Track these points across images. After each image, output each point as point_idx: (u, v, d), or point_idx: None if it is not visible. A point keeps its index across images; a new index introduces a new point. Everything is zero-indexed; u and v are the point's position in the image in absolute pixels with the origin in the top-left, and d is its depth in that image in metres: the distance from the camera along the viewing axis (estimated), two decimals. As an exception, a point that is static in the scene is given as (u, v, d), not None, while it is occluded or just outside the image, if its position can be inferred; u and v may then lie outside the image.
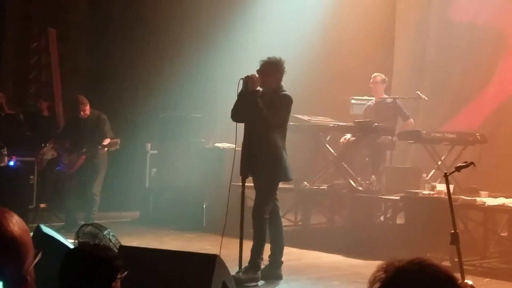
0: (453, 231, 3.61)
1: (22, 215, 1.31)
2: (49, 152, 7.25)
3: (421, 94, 6.73)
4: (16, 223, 1.24)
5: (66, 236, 3.53)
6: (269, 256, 5.00)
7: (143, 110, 8.91)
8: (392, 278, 1.22)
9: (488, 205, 5.63)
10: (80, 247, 1.82)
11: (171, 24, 8.79)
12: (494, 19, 7.24)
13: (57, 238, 3.15)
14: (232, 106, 4.96)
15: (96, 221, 5.42)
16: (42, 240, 3.00)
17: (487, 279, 5.05)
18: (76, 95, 7.07)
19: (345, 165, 6.76)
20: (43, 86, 9.30)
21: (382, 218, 6.64)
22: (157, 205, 7.78)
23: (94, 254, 1.76)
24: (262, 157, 4.84)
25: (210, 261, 3.33)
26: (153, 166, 8.38)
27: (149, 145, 8.50)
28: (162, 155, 8.11)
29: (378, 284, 1.23)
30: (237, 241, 4.83)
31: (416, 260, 1.26)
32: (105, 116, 6.88)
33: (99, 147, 6.57)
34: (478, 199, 5.70)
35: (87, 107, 6.80)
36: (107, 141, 6.60)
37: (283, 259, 5.03)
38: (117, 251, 3.07)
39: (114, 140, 6.64)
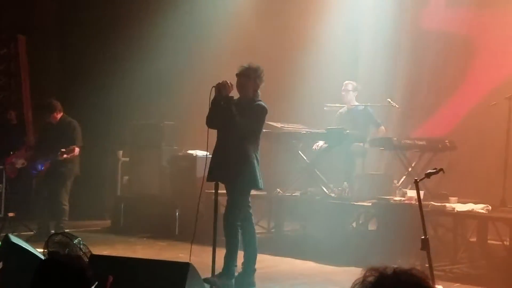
0: (423, 237, 3.66)
1: None
2: (19, 161, 7.10)
3: (392, 102, 6.83)
4: None
5: (35, 246, 3.46)
6: (242, 264, 4.99)
7: (115, 117, 8.83)
8: (376, 283, 1.25)
9: (457, 211, 5.73)
10: (54, 257, 1.79)
11: (143, 30, 8.74)
12: (463, 27, 7.41)
13: (26, 248, 3.09)
14: (204, 113, 4.95)
15: (66, 230, 5.33)
16: (11, 249, 2.94)
17: (457, 284, 5.13)
18: (48, 99, 6.96)
19: (317, 172, 6.80)
20: (12, 94, 9.14)
21: (354, 224, 6.69)
22: (129, 213, 7.70)
23: (69, 265, 1.73)
24: (233, 164, 4.84)
25: (183, 269, 3.31)
26: (124, 174, 8.29)
27: (120, 153, 8.42)
28: (134, 162, 8.04)
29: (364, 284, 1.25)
30: (210, 249, 4.81)
31: (401, 269, 1.28)
32: (76, 123, 6.78)
33: (59, 153, 6.40)
34: (447, 205, 5.80)
35: (58, 113, 6.68)
36: (67, 148, 6.42)
37: (256, 266, 5.02)
38: (87, 260, 3.02)
39: (71, 147, 6.48)
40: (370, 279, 1.28)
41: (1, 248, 1.19)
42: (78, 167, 6.84)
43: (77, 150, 6.56)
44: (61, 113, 6.71)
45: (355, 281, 1.32)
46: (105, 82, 8.91)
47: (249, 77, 4.83)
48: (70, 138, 6.60)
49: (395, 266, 1.31)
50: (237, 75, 4.87)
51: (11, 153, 7.36)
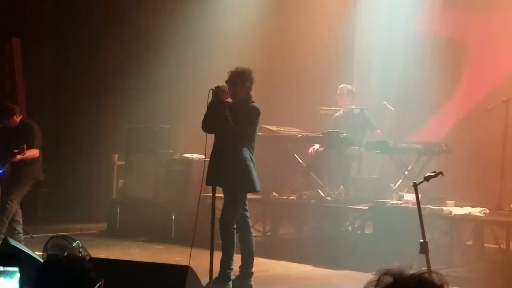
0: (422, 240, 3.67)
1: None
2: None
3: (388, 105, 6.84)
4: None
5: (32, 249, 3.43)
6: (240, 267, 4.98)
7: (110, 120, 8.80)
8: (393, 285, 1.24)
9: (455, 214, 5.75)
10: (56, 259, 1.78)
11: (138, 34, 8.74)
12: (458, 31, 7.44)
13: (25, 251, 3.07)
14: (200, 117, 4.96)
15: (63, 234, 5.27)
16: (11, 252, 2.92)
17: (454, 287, 5.14)
18: (4, 102, 6.79)
19: (313, 176, 6.81)
20: (6, 97, 9.09)
21: (350, 228, 6.69)
22: (125, 216, 7.67)
23: (71, 266, 1.72)
24: (229, 168, 4.84)
25: (182, 273, 3.30)
26: (120, 178, 8.27)
27: (116, 156, 8.40)
28: (129, 166, 8.01)
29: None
30: (207, 252, 4.80)
31: (418, 274, 1.28)
32: (35, 125, 6.48)
33: (13, 155, 6.15)
34: (445, 208, 5.82)
35: (17, 117, 6.43)
36: (19, 149, 6.18)
37: (252, 269, 5.01)
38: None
39: (22, 146, 6.11)
40: (386, 281, 1.28)
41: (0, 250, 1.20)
42: (40, 170, 6.54)
43: (35, 151, 6.37)
44: (20, 116, 6.57)
45: (368, 282, 1.31)
46: (99, 86, 8.89)
47: (236, 82, 4.84)
48: (27, 140, 6.29)
49: (411, 269, 1.30)
50: (226, 82, 4.89)
51: None
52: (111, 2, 8.79)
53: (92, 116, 8.74)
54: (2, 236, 3.16)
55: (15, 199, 6.29)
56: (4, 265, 1.25)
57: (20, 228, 6.34)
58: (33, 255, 3.05)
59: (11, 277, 1.24)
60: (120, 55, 8.79)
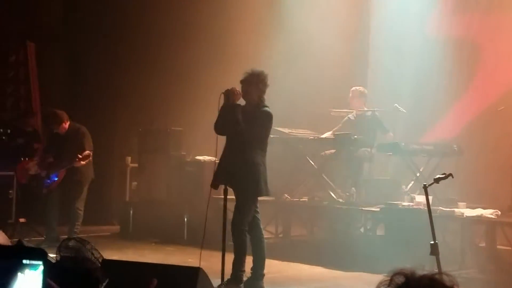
0: (432, 242, 3.67)
1: (1, 229, 1.37)
2: (33, 168, 7.14)
3: (399, 107, 6.83)
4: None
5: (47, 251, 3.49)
6: (251, 269, 5.01)
7: (123, 123, 8.87)
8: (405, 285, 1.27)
9: (466, 216, 5.73)
10: (60, 261, 1.82)
11: (150, 36, 8.80)
12: (470, 32, 7.42)
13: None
14: (212, 119, 4.99)
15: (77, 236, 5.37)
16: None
17: (466, 289, 5.13)
18: (53, 110, 6.96)
19: (325, 177, 6.82)
20: (21, 101, 9.21)
21: (362, 229, 6.70)
22: (138, 218, 7.73)
23: (74, 267, 1.75)
24: (239, 171, 4.86)
25: (193, 274, 3.33)
26: (133, 180, 8.33)
27: (129, 159, 8.46)
28: (142, 168, 8.08)
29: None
30: (219, 254, 4.83)
31: (430, 275, 1.30)
32: (85, 129, 6.79)
33: (76, 160, 6.45)
34: (456, 210, 5.80)
35: (66, 123, 6.68)
36: (82, 154, 6.47)
37: (264, 271, 5.04)
38: (100, 265, 3.05)
39: (86, 153, 6.52)
40: (398, 280, 1.31)
41: None
42: (92, 171, 6.86)
43: (89, 154, 6.60)
44: (69, 122, 6.72)
45: (380, 282, 1.34)
46: (112, 89, 8.97)
47: (251, 83, 4.87)
48: (80, 145, 6.63)
49: (423, 270, 1.33)
50: (240, 82, 4.91)
51: (25, 159, 7.39)
52: (124, 6, 8.86)
53: (105, 118, 8.82)
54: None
55: (81, 204, 6.65)
56: (29, 258, 1.33)
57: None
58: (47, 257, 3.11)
59: (35, 269, 1.33)
60: (132, 58, 8.86)
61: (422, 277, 1.32)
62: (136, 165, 8.27)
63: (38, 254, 1.34)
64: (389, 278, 1.32)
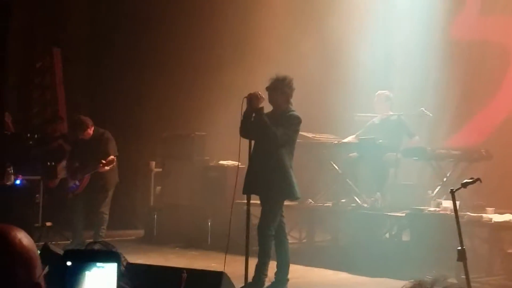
0: (460, 248, 3.60)
1: (28, 233, 1.39)
2: (62, 172, 7.25)
3: (425, 111, 6.74)
4: (24, 235, 1.34)
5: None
6: (275, 273, 4.98)
7: (146, 128, 8.93)
8: None
9: (494, 221, 5.61)
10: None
11: (173, 42, 8.85)
12: (497, 35, 7.29)
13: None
14: (235, 124, 4.99)
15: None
16: (50, 257, 3.01)
17: (494, 296, 5.02)
18: (78, 115, 7.04)
19: (349, 182, 6.76)
20: (47, 106, 9.35)
21: (387, 235, 6.61)
22: (162, 223, 7.77)
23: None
24: (269, 175, 4.86)
25: (216, 279, 3.32)
26: (157, 184, 8.38)
27: (153, 163, 8.51)
28: (166, 173, 8.12)
29: None
30: (242, 258, 4.82)
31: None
32: (109, 134, 6.85)
33: (100, 165, 6.52)
34: (484, 215, 5.69)
35: (90, 128, 6.75)
36: (106, 159, 6.54)
37: (288, 276, 5.00)
38: (124, 268, 3.07)
39: (110, 158, 6.59)
40: None
41: (40, 255, 1.27)
42: (117, 175, 6.92)
43: (114, 159, 6.67)
44: (93, 127, 6.79)
45: None
46: (136, 94, 9.04)
47: (276, 88, 4.87)
48: (105, 150, 6.69)
49: (444, 282, 1.28)
50: (266, 89, 4.92)
51: (48, 164, 7.51)
52: (147, 11, 8.95)
53: (129, 123, 8.89)
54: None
55: (107, 208, 6.72)
56: (103, 261, 1.39)
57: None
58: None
59: (110, 270, 1.39)
60: (156, 63, 8.92)
61: None
62: (160, 169, 8.31)
63: (112, 256, 1.39)
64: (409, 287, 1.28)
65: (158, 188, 8.32)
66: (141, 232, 8.06)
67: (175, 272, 3.00)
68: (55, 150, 7.84)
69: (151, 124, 8.90)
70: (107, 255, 1.42)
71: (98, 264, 1.41)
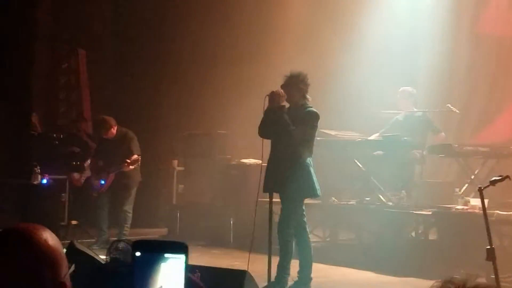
0: (489, 247, 3.51)
1: (54, 231, 1.38)
2: (87, 171, 7.36)
3: (451, 107, 6.61)
4: (50, 235, 1.34)
5: (97, 252, 3.54)
6: (298, 272, 4.94)
7: (168, 127, 8.97)
8: None
9: (524, 220, 5.47)
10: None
11: (193, 41, 8.86)
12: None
13: (90, 255, 3.17)
14: (257, 122, 4.97)
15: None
16: (76, 255, 3.03)
17: (525, 296, 4.90)
18: (101, 115, 7.11)
19: (374, 180, 6.67)
20: (72, 107, 9.46)
21: (413, 233, 6.51)
22: (184, 221, 7.78)
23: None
24: (289, 173, 4.82)
25: (240, 277, 3.30)
26: (180, 183, 8.41)
27: (176, 162, 8.54)
28: (188, 171, 8.14)
29: None
30: (265, 257, 4.79)
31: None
32: (132, 133, 6.91)
33: (125, 164, 6.59)
34: (513, 213, 5.55)
35: (114, 128, 6.81)
36: (130, 159, 6.60)
37: (312, 275, 4.96)
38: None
39: (134, 157, 6.65)
40: None
41: (66, 253, 1.29)
42: (139, 174, 6.97)
43: (137, 158, 6.72)
44: (116, 126, 6.85)
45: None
46: (158, 93, 9.08)
47: (291, 85, 4.84)
48: (128, 149, 6.75)
49: (475, 281, 1.23)
50: (281, 86, 4.88)
51: (74, 163, 7.60)
52: (167, 9, 8.97)
53: (151, 123, 8.94)
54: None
55: (130, 207, 6.80)
56: (172, 252, 1.41)
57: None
58: (97, 258, 3.15)
59: (179, 261, 1.42)
60: (176, 63, 8.94)
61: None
62: (182, 168, 8.34)
63: (180, 247, 1.41)
64: (439, 286, 1.24)
65: (181, 186, 8.35)
66: (164, 231, 8.09)
67: (200, 270, 2.98)
68: (81, 149, 7.93)
69: (174, 123, 8.93)
70: (176, 246, 1.40)
71: (166, 255, 1.41)
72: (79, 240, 5.81)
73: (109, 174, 6.75)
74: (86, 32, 9.42)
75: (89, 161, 7.41)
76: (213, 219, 7.45)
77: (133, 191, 6.86)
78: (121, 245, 3.39)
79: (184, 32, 8.90)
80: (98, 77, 9.43)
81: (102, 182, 6.79)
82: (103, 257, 3.45)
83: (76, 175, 7.48)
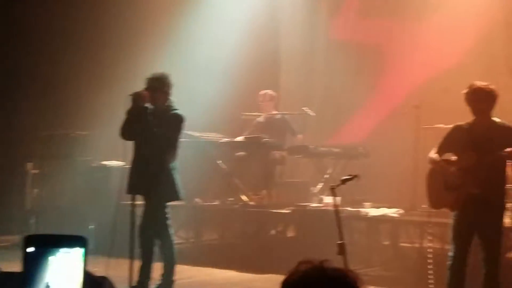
0: (339, 242, 3.75)
1: None
2: None
3: (307, 110, 6.97)
4: None
5: None
6: (161, 275, 4.89)
7: (22, 127, 8.39)
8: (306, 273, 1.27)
9: (371, 215, 5.93)
10: None
11: (54, 36, 8.40)
12: (372, 37, 7.70)
13: None
14: (120, 122, 4.83)
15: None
16: None
17: (372, 286, 5.29)
18: None
19: (236, 180, 6.81)
20: None
21: (273, 231, 6.75)
22: (40, 227, 7.32)
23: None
24: (152, 176, 4.75)
25: (98, 284, 3.17)
26: (35, 187, 7.90)
27: (30, 165, 8.01)
28: (45, 174, 7.68)
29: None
30: (127, 261, 4.67)
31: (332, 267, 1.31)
32: None
33: None
34: (362, 210, 5.99)
35: None
36: None
37: (175, 277, 4.93)
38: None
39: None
40: (305, 267, 1.31)
41: None
42: None
43: None
44: None
45: (290, 272, 1.35)
46: (12, 92, 8.48)
47: (156, 88, 4.78)
48: None
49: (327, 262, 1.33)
50: (145, 89, 4.81)
51: None
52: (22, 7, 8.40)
53: (2, 122, 8.31)
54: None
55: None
56: (68, 246, 1.34)
57: None
58: None
59: (76, 255, 1.35)
60: (35, 59, 8.40)
61: (324, 267, 1.33)
62: (38, 171, 7.84)
63: (77, 241, 1.34)
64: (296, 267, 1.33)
65: (36, 190, 7.85)
66: (16, 238, 7.53)
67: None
68: None
69: (29, 124, 8.37)
70: (73, 240, 1.30)
71: (62, 249, 1.33)
72: None
73: None
74: None
75: None
76: (72, 224, 7.09)
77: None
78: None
79: (42, 25, 8.38)
80: None
81: None
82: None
83: None
